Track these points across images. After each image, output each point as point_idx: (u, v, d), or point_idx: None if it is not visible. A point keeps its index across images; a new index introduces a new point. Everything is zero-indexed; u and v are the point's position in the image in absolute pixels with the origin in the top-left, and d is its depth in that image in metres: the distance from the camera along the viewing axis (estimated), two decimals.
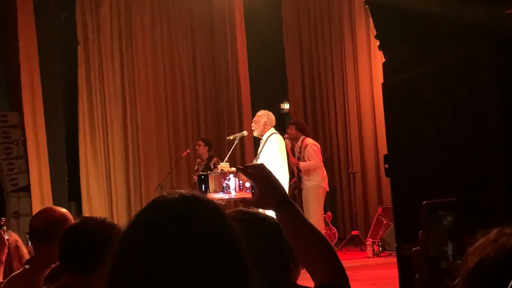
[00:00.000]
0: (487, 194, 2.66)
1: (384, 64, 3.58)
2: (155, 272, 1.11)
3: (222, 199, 7.48)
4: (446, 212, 1.56)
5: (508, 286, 1.28)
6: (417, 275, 1.60)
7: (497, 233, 1.38)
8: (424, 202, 1.58)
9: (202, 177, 2.46)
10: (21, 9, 9.25)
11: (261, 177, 1.88)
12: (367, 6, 3.70)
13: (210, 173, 7.62)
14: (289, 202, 1.83)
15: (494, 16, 2.72)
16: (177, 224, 1.15)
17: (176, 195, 1.20)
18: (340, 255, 9.34)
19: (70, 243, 2.50)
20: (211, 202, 1.22)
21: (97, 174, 10.35)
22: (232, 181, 8.23)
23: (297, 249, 1.83)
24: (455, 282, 1.44)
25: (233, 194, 8.40)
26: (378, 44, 3.59)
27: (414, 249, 1.62)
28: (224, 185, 8.08)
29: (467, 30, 2.92)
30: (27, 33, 9.30)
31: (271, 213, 1.83)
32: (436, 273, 1.57)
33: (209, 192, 2.46)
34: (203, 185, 2.44)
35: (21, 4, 9.26)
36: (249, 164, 2.05)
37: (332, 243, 9.57)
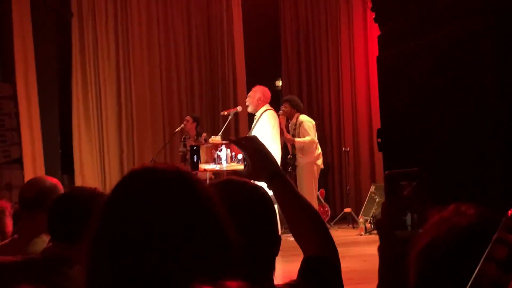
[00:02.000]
0: (482, 169, 2.65)
1: (379, 37, 3.53)
2: (132, 237, 1.13)
3: (214, 170, 7.52)
4: (407, 182, 1.56)
5: (458, 267, 1.27)
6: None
7: (451, 211, 1.36)
8: (386, 172, 1.58)
9: (194, 148, 2.45)
10: None
11: (254, 149, 1.87)
12: None
13: (202, 144, 7.64)
14: (281, 174, 1.82)
15: None
16: (149, 192, 1.18)
17: (151, 167, 1.24)
18: (332, 232, 9.38)
19: (58, 212, 2.49)
20: (182, 171, 1.24)
21: (90, 148, 10.32)
22: (224, 152, 8.20)
23: (288, 221, 1.82)
24: (410, 255, 1.43)
25: (225, 165, 8.38)
26: (374, 16, 3.55)
27: (377, 219, 1.62)
28: (216, 156, 8.05)
29: (465, 3, 2.88)
30: (20, 5, 9.21)
31: (263, 185, 1.81)
32: (396, 242, 1.56)
33: (201, 163, 2.44)
34: (195, 156, 2.42)
35: None
36: (241, 136, 2.04)
37: (325, 220, 9.60)
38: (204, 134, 9.25)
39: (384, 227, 1.60)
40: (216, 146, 8.55)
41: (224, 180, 1.79)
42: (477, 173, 2.68)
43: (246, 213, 1.63)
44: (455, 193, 2.62)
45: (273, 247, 1.69)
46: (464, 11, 2.87)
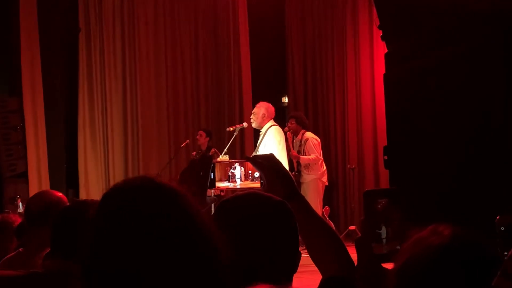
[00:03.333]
0: (488, 186, 2.64)
1: (386, 55, 3.54)
2: (120, 257, 1.12)
3: (227, 188, 7.52)
4: (383, 199, 1.59)
5: (432, 285, 1.28)
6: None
7: (429, 231, 1.37)
8: (365, 191, 1.62)
9: (212, 165, 2.44)
10: None
11: (271, 168, 1.86)
12: None
13: (217, 161, 7.63)
14: (298, 194, 1.81)
15: (505, 5, 2.68)
16: (132, 211, 1.16)
17: (134, 182, 1.21)
18: None
19: (59, 227, 2.48)
20: (168, 188, 1.21)
21: (95, 162, 10.32)
22: (238, 170, 8.25)
23: (306, 241, 1.81)
24: (389, 272, 1.44)
25: (239, 183, 8.41)
26: (381, 34, 3.55)
27: (356, 237, 1.64)
28: (230, 173, 8.08)
29: (472, 21, 2.89)
30: (28, 19, 9.26)
31: None
32: (374, 257, 1.58)
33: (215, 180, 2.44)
34: (211, 173, 2.42)
35: None
36: (258, 154, 2.03)
37: None
38: (213, 150, 9.24)
39: (362, 244, 1.61)
40: (230, 164, 8.63)
41: (249, 193, 1.76)
42: (485, 191, 2.67)
43: (269, 227, 1.62)
44: (460, 209, 2.61)
45: (293, 262, 1.67)
46: (471, 29, 2.87)
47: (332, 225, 9.71)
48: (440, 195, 2.89)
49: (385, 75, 3.53)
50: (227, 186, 7.37)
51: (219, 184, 7.32)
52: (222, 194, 7.53)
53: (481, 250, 1.35)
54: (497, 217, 1.34)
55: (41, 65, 9.37)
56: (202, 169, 1.99)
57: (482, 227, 1.58)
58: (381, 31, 3.57)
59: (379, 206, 1.63)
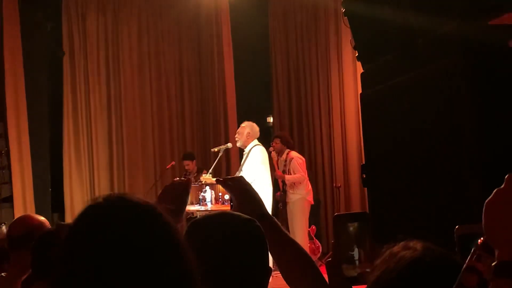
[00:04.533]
0: (460, 203, 2.70)
1: (362, 75, 3.61)
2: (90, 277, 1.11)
3: (198, 211, 7.53)
4: (353, 222, 1.66)
5: None
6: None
7: (400, 247, 1.42)
8: (334, 215, 1.67)
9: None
10: (7, 18, 9.24)
11: (240, 190, 1.88)
12: (346, 17, 3.74)
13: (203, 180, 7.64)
14: (268, 217, 1.84)
15: (469, 28, 2.76)
16: (105, 231, 1.14)
17: (108, 201, 1.20)
18: (323, 268, 9.32)
19: (40, 252, 2.50)
20: (141, 205, 1.20)
21: (81, 186, 10.31)
22: (208, 193, 8.25)
23: (277, 261, 1.83)
24: None
25: (209, 206, 8.40)
26: (357, 55, 3.63)
27: (327, 260, 1.69)
28: (200, 197, 8.08)
29: (443, 42, 2.96)
30: (12, 43, 9.28)
31: None
32: (343, 281, 1.63)
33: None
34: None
35: (7, 13, 9.24)
36: (228, 177, 2.05)
37: (316, 257, 9.56)
38: (205, 171, 9.25)
39: (333, 267, 1.65)
40: (201, 187, 8.65)
41: (218, 212, 1.81)
42: (458, 207, 2.72)
43: (238, 245, 1.64)
44: (436, 223, 2.67)
45: (263, 279, 1.69)
46: (441, 49, 2.94)
47: (319, 244, 9.73)
48: (410, 210, 2.96)
49: (361, 94, 3.60)
50: (198, 209, 7.42)
51: (190, 208, 7.36)
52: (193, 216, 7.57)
53: (451, 262, 1.39)
54: (456, 227, 1.39)
55: (25, 89, 9.38)
56: (184, 190, 2.01)
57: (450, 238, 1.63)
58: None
59: (351, 229, 1.68)
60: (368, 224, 1.68)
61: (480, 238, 1.19)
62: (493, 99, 2.60)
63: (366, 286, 1.55)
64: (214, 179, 8.27)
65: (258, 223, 1.73)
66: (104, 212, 1.17)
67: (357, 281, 1.66)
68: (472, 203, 2.61)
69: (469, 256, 1.20)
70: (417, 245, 1.41)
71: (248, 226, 1.71)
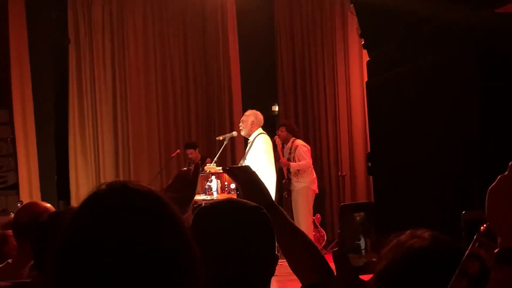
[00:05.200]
0: (464, 191, 2.70)
1: (368, 63, 3.60)
2: (94, 263, 1.10)
3: (204, 201, 7.53)
4: (359, 212, 1.66)
5: (414, 286, 1.31)
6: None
7: (407, 236, 1.42)
8: (340, 205, 1.67)
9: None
10: (12, 6, 9.25)
11: (246, 180, 1.88)
12: (352, 5, 3.72)
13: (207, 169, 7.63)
14: (274, 206, 1.84)
15: (475, 16, 2.75)
16: (110, 215, 1.14)
17: (111, 187, 1.19)
18: (328, 257, 9.33)
19: (40, 238, 2.49)
20: (145, 192, 1.19)
21: (86, 174, 10.34)
22: (214, 183, 8.25)
23: (284, 251, 1.83)
24: (369, 280, 1.48)
25: (215, 196, 8.40)
26: (363, 43, 3.61)
27: (333, 250, 1.69)
28: (206, 186, 8.08)
29: (449, 30, 2.94)
30: (17, 31, 9.30)
31: None
32: (351, 270, 1.62)
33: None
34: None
35: (13, 1, 9.25)
36: (235, 166, 2.05)
37: (321, 246, 9.58)
38: (208, 160, 9.25)
39: (339, 257, 1.65)
40: (207, 177, 8.66)
41: (225, 199, 1.81)
42: (462, 195, 2.72)
43: (245, 232, 1.64)
44: (441, 212, 2.67)
45: (270, 266, 1.69)
46: (448, 38, 2.93)
47: (324, 233, 9.75)
48: (416, 199, 2.96)
49: (367, 82, 3.59)
50: (204, 199, 7.42)
51: (196, 197, 7.36)
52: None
53: (459, 251, 1.39)
54: (463, 213, 1.39)
55: (31, 77, 9.40)
56: (194, 177, 2.01)
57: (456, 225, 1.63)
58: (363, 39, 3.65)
59: (357, 218, 1.68)
60: (374, 213, 1.68)
61: (483, 225, 1.19)
62: (501, 87, 2.59)
63: (372, 275, 1.55)
64: (220, 168, 8.29)
65: (265, 210, 1.74)
66: (108, 199, 1.16)
67: (364, 270, 1.66)
68: (476, 192, 2.61)
69: (472, 243, 1.20)
70: (424, 233, 1.41)
71: (255, 213, 1.71)
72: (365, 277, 1.66)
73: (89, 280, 1.10)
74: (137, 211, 1.15)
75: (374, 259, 1.63)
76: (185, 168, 2.17)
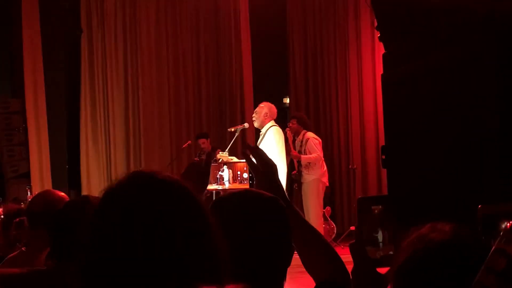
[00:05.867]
0: (481, 185, 2.68)
1: (384, 56, 3.57)
2: (122, 247, 1.11)
3: (216, 190, 7.55)
4: (377, 205, 1.66)
5: (437, 280, 1.31)
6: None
7: (428, 229, 1.41)
8: (358, 198, 1.66)
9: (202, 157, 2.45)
10: None
11: (265, 176, 1.89)
12: None
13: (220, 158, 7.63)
14: (288, 204, 1.84)
15: (496, 7, 2.72)
16: (135, 206, 1.15)
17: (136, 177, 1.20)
18: (338, 250, 9.37)
19: (57, 228, 2.49)
20: (171, 182, 1.21)
21: (97, 163, 10.37)
22: (226, 173, 8.26)
23: (298, 250, 1.83)
24: (386, 273, 1.47)
25: (227, 185, 8.42)
26: (379, 35, 3.60)
27: (350, 242, 1.68)
28: (218, 176, 8.09)
29: (468, 23, 2.92)
30: (30, 20, 9.32)
31: None
32: (369, 262, 1.62)
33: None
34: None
35: None
36: (259, 152, 2.01)
37: (331, 238, 9.59)
38: (218, 150, 9.27)
39: (357, 249, 1.65)
40: (218, 166, 8.65)
41: (242, 190, 1.81)
42: (478, 190, 2.70)
43: (262, 222, 1.65)
44: (456, 208, 2.66)
45: (287, 256, 1.70)
46: (466, 32, 2.91)
47: (334, 225, 9.75)
48: (433, 192, 2.95)
49: (382, 75, 3.57)
50: (216, 188, 7.43)
51: (208, 187, 7.39)
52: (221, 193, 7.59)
53: (481, 245, 1.38)
54: (479, 207, 1.38)
55: (43, 67, 9.44)
56: (206, 166, 2.01)
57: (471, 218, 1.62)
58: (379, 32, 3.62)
59: (375, 211, 1.68)
60: (392, 207, 1.68)
61: (507, 220, 1.18)
62: None
63: (389, 268, 1.54)
64: (232, 157, 8.29)
65: (281, 201, 1.74)
66: (135, 189, 1.17)
67: (381, 263, 1.66)
68: (493, 186, 2.59)
69: (498, 239, 1.19)
70: (445, 227, 1.40)
71: (272, 204, 1.72)
72: (382, 270, 1.66)
73: (119, 267, 1.11)
74: (164, 201, 1.16)
75: (391, 252, 1.63)
76: (196, 158, 2.17)
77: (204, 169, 2.06)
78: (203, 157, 2.08)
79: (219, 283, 1.15)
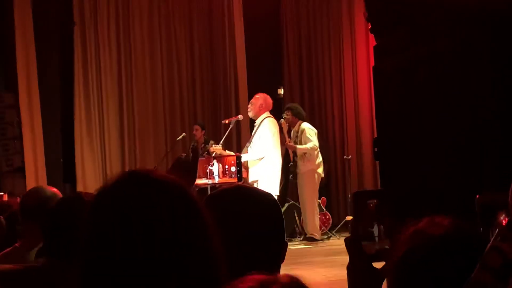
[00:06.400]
0: (475, 178, 2.68)
1: (375, 48, 3.57)
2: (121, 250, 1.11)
3: (206, 185, 7.53)
4: (373, 199, 1.65)
5: (436, 275, 1.30)
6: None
7: (426, 223, 1.39)
8: (354, 191, 1.66)
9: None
10: None
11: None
12: None
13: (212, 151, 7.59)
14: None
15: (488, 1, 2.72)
16: (133, 204, 1.15)
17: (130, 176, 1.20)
18: (334, 240, 9.39)
19: (50, 224, 2.49)
20: (167, 179, 1.21)
21: (92, 156, 10.34)
22: (216, 167, 8.23)
23: None
24: (383, 267, 1.47)
25: (217, 180, 8.38)
26: (370, 27, 3.58)
27: (346, 237, 1.68)
28: (208, 170, 8.06)
29: (461, 14, 2.91)
30: (23, 13, 9.27)
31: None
32: (365, 257, 1.62)
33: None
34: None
35: None
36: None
37: (326, 229, 9.60)
38: (212, 142, 9.24)
39: (353, 244, 1.65)
40: (208, 161, 8.62)
41: (235, 186, 1.80)
42: (473, 181, 2.70)
43: (255, 218, 1.65)
44: (448, 200, 2.66)
45: (280, 252, 1.70)
46: (459, 23, 2.90)
47: (330, 216, 9.76)
48: (426, 184, 2.96)
49: (374, 67, 3.57)
50: (206, 182, 7.36)
51: (197, 181, 7.33)
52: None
53: (480, 240, 1.38)
54: (477, 197, 1.37)
55: (36, 60, 9.39)
56: (193, 162, 1.99)
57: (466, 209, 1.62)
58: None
59: (371, 205, 1.67)
60: (388, 201, 1.67)
61: (503, 215, 1.18)
62: None
63: (384, 263, 1.54)
64: (227, 151, 8.27)
65: (274, 197, 1.75)
66: (132, 188, 1.18)
67: (377, 257, 1.66)
68: (488, 175, 2.60)
69: (494, 236, 1.18)
70: (444, 221, 1.39)
71: (266, 199, 1.72)
72: (378, 265, 1.66)
73: (118, 267, 1.11)
74: (162, 200, 1.16)
75: (387, 247, 1.63)
76: (183, 154, 2.17)
77: (191, 165, 2.07)
78: (190, 151, 2.08)
79: (217, 281, 1.15)
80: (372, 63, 11.05)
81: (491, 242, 1.17)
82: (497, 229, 1.18)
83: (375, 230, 1.65)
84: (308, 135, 9.10)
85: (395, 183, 3.12)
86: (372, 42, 10.37)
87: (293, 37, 11.75)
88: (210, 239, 1.19)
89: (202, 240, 1.17)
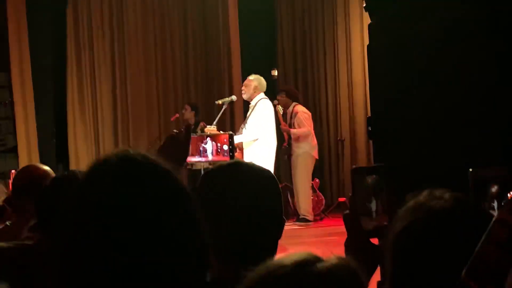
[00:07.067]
0: (469, 152, 2.69)
1: (370, 26, 3.55)
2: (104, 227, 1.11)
3: (199, 162, 7.50)
4: (371, 175, 1.65)
5: (438, 249, 1.29)
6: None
7: (426, 196, 1.38)
8: (352, 167, 1.66)
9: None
10: None
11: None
12: None
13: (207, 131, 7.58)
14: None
15: None
16: (119, 180, 1.16)
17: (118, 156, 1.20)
18: (327, 221, 9.43)
19: (43, 201, 2.49)
20: (151, 162, 1.21)
21: (85, 137, 10.33)
22: (209, 145, 8.18)
23: None
24: (380, 243, 1.46)
25: (210, 158, 8.32)
26: (364, 5, 3.56)
27: (344, 212, 1.67)
28: (201, 148, 8.00)
29: None
30: None
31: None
32: (363, 233, 1.61)
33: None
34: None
35: None
36: None
37: (319, 210, 9.64)
38: (202, 123, 9.22)
39: (351, 220, 1.64)
40: (202, 139, 8.59)
41: (233, 161, 1.79)
42: (468, 161, 2.69)
43: (253, 193, 1.64)
44: (444, 179, 2.65)
45: (277, 228, 1.69)
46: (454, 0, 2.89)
47: (323, 197, 9.78)
48: (421, 160, 2.96)
49: (368, 46, 3.55)
50: (199, 160, 7.33)
51: (191, 159, 7.29)
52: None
53: (483, 213, 1.37)
54: (470, 170, 1.36)
55: (29, 40, 9.34)
56: (185, 139, 1.98)
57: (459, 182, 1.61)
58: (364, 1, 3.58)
59: (369, 181, 1.67)
60: (386, 176, 1.66)
61: (495, 187, 1.17)
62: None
63: (381, 238, 1.53)
64: (221, 131, 8.25)
65: (271, 173, 1.74)
66: (116, 169, 1.17)
67: (374, 233, 1.65)
68: (486, 148, 2.60)
69: (501, 209, 1.17)
70: (444, 194, 1.37)
71: (263, 175, 1.71)
72: (375, 240, 1.65)
73: (99, 244, 1.10)
74: (146, 183, 1.16)
75: (385, 223, 1.62)
76: (175, 131, 2.16)
77: (184, 142, 2.06)
78: (183, 129, 2.07)
79: (203, 267, 1.16)
80: (366, 42, 11.02)
81: (497, 214, 1.17)
82: (503, 202, 1.17)
83: (373, 205, 1.64)
84: (302, 118, 9.12)
85: (389, 161, 3.12)
86: (366, 22, 10.37)
87: (287, 17, 11.71)
88: (197, 225, 1.18)
89: (187, 224, 1.17)
